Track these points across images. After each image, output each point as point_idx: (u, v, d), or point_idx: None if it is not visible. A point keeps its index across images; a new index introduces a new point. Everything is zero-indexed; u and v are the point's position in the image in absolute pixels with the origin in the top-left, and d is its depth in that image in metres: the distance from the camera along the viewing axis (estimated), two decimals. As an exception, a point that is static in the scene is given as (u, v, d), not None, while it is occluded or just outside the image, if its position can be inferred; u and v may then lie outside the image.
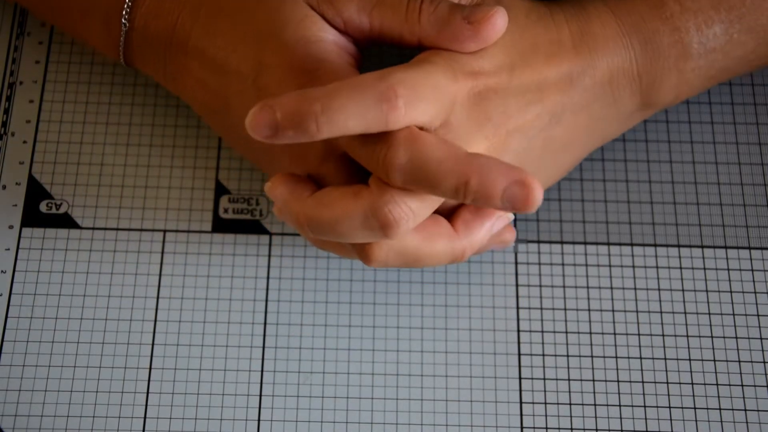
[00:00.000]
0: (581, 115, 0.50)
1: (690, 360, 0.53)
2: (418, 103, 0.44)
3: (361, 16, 0.48)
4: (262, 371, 0.53)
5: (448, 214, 0.49)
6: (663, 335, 0.54)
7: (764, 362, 0.53)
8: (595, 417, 0.52)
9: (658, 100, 0.52)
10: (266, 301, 0.54)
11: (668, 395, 0.52)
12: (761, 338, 0.54)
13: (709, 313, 0.54)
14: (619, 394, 0.52)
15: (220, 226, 0.56)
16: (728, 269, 0.55)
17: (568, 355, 0.53)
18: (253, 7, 0.50)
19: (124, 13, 0.52)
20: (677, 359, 0.53)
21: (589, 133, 0.51)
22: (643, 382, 0.53)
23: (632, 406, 0.52)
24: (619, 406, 0.52)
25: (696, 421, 0.52)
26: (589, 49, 0.49)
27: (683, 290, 0.55)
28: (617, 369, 0.53)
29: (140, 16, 0.52)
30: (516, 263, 0.55)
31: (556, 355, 0.53)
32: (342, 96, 0.42)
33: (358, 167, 0.47)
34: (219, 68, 0.50)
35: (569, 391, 0.53)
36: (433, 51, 0.47)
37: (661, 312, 0.54)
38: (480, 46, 0.47)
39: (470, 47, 0.46)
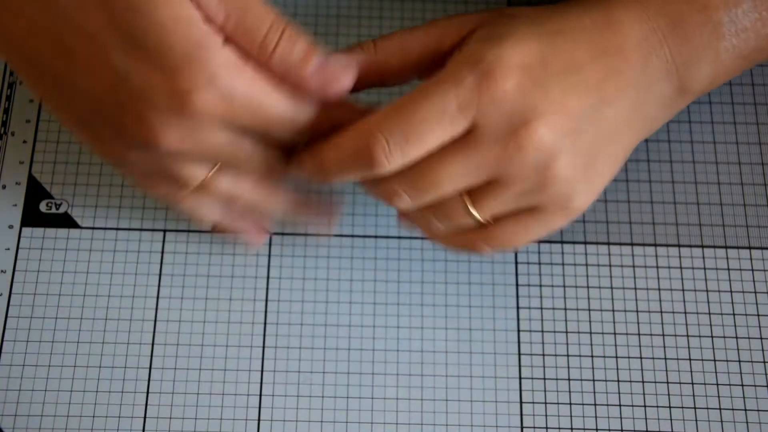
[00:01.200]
0: (623, 99, 0.49)
1: (690, 360, 0.53)
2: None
3: (220, 28, 0.46)
4: (262, 371, 0.53)
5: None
6: (663, 335, 0.54)
7: (764, 362, 0.53)
8: (595, 417, 0.52)
9: (696, 83, 0.51)
10: (266, 301, 0.54)
11: (668, 395, 0.52)
12: (761, 338, 0.54)
13: (709, 313, 0.54)
14: (619, 394, 0.52)
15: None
16: (728, 269, 0.55)
17: (568, 355, 0.53)
18: None
19: None
20: (677, 359, 0.53)
21: (633, 118, 0.50)
22: (643, 382, 0.53)
23: (632, 406, 0.52)
24: (619, 406, 0.52)
25: (696, 421, 0.52)
26: (614, 34, 0.49)
27: (683, 290, 0.55)
28: (617, 369, 0.53)
29: None
30: (516, 263, 0.55)
31: (556, 355, 0.53)
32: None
33: None
34: (66, 18, 0.45)
35: (569, 391, 0.53)
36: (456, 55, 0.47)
37: (661, 312, 0.54)
38: (323, 97, 0.47)
39: (313, 94, 0.47)
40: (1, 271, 0.55)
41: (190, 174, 0.49)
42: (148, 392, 0.52)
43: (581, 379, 0.53)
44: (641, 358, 0.53)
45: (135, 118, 0.45)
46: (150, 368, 0.53)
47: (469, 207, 0.47)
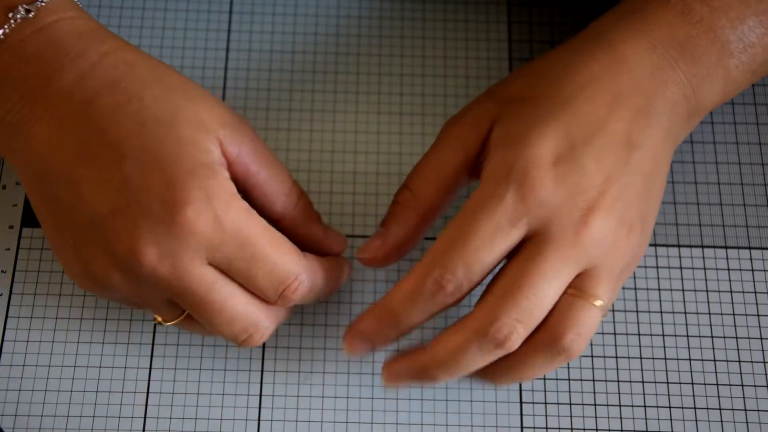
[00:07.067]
0: (654, 135, 0.49)
1: (690, 360, 0.53)
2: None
3: (252, 170, 0.48)
4: (262, 371, 0.53)
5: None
6: (663, 335, 0.54)
7: (764, 362, 0.53)
8: (595, 417, 0.52)
9: (709, 101, 0.51)
10: (266, 301, 0.54)
11: (668, 395, 0.52)
12: (761, 338, 0.54)
13: (709, 313, 0.54)
14: (619, 394, 0.53)
15: (220, 226, 0.56)
16: (728, 269, 0.55)
17: (568, 355, 0.53)
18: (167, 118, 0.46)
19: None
20: (677, 359, 0.53)
21: (666, 146, 0.50)
22: (643, 382, 0.53)
23: (632, 406, 0.52)
24: (619, 406, 0.52)
25: (696, 421, 0.52)
26: (626, 73, 0.49)
27: (683, 290, 0.55)
28: (617, 369, 0.53)
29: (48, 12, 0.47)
30: (516, 263, 0.55)
31: (556, 355, 0.53)
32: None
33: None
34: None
35: (569, 391, 0.53)
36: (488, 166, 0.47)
37: (661, 312, 0.54)
38: (324, 248, 0.51)
39: (314, 246, 0.50)
40: (1, 271, 0.55)
41: (162, 314, 0.49)
42: (148, 392, 0.52)
43: (581, 379, 0.53)
44: (641, 358, 0.53)
45: (125, 223, 0.45)
46: (150, 368, 0.53)
47: (580, 301, 0.46)
